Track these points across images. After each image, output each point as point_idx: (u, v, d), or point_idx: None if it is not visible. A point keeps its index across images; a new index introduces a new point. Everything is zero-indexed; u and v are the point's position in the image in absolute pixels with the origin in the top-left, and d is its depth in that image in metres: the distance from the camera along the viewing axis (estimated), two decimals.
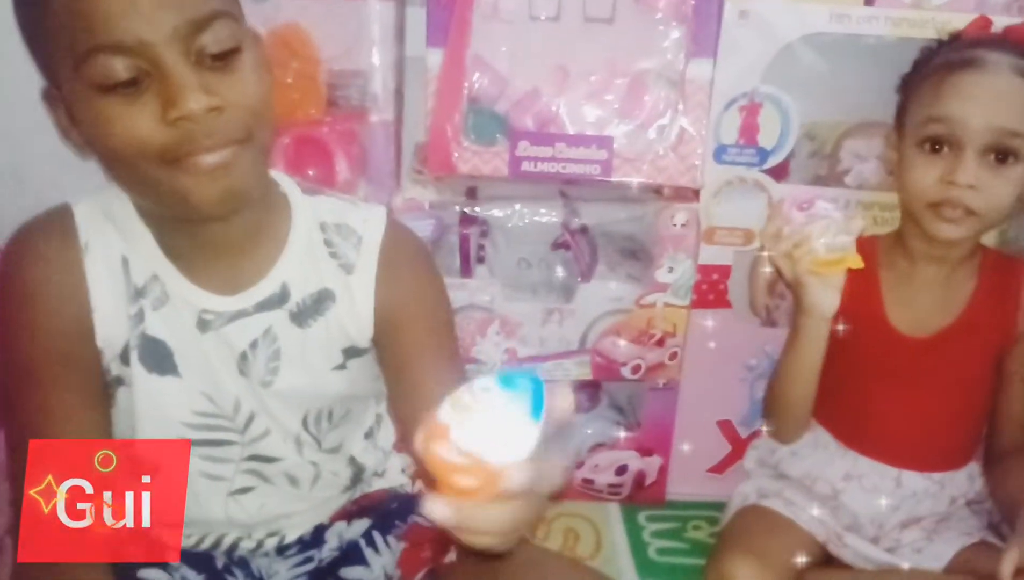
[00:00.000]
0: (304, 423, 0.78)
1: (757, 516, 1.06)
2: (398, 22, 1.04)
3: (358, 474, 0.84)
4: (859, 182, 1.14)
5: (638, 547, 1.19)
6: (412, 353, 0.74)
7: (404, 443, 0.88)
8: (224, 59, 0.61)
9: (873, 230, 1.14)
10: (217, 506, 0.78)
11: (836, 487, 1.08)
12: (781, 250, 0.96)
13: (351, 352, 0.77)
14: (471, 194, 1.17)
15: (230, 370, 0.74)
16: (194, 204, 0.63)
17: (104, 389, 0.73)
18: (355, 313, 0.75)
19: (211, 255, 0.72)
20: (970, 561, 0.96)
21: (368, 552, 0.83)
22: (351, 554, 0.83)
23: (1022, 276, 1.02)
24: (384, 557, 0.83)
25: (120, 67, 0.59)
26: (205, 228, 0.69)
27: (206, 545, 0.81)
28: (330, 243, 0.75)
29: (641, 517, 1.26)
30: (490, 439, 0.46)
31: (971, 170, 0.90)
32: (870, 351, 1.04)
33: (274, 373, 0.74)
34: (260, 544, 0.82)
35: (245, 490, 0.78)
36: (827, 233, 0.94)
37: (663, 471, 1.26)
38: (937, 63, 0.94)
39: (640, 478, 1.27)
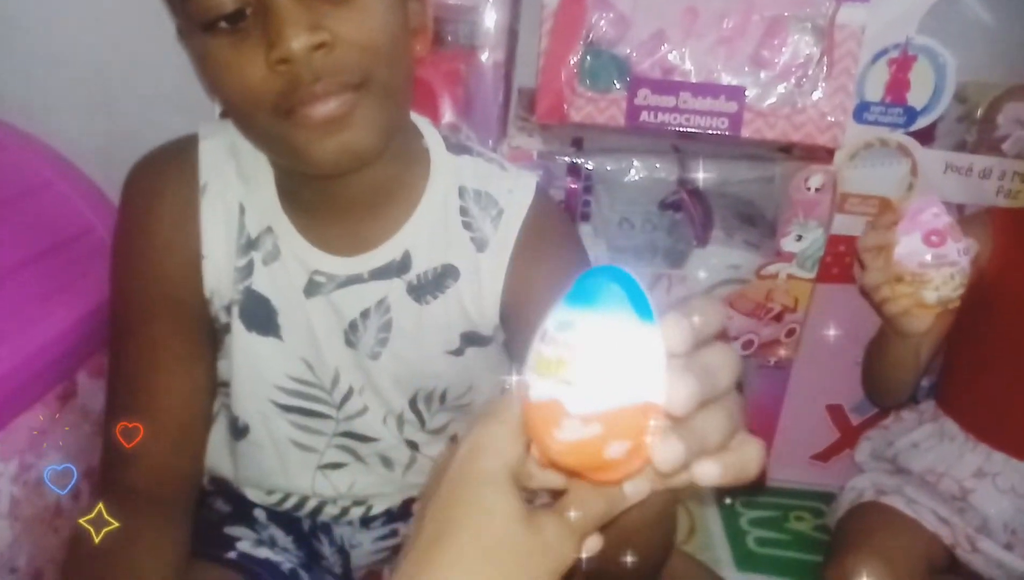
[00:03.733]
0: (412, 402, 0.71)
1: (877, 514, 0.97)
2: None
3: None
4: (1018, 150, 1.02)
5: (736, 536, 1.11)
6: None
7: None
8: None
9: None
10: (304, 477, 0.73)
11: (965, 486, 0.98)
12: (884, 274, 0.86)
13: (471, 338, 0.69)
14: (576, 145, 1.08)
15: (336, 339, 0.67)
16: (310, 162, 0.55)
17: (211, 337, 0.68)
18: (480, 296, 0.67)
19: (332, 211, 0.65)
20: None
21: None
22: None
23: None
24: None
25: None
26: (327, 183, 0.61)
27: (289, 505, 0.76)
28: (466, 212, 0.67)
29: (738, 503, 1.17)
30: (618, 378, 0.32)
31: None
32: (1011, 330, 0.94)
33: (383, 345, 0.68)
34: (345, 512, 0.76)
35: (336, 466, 0.73)
36: (947, 285, 0.84)
37: (766, 456, 1.17)
38: None
39: None
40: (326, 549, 0.78)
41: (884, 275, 0.86)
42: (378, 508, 0.77)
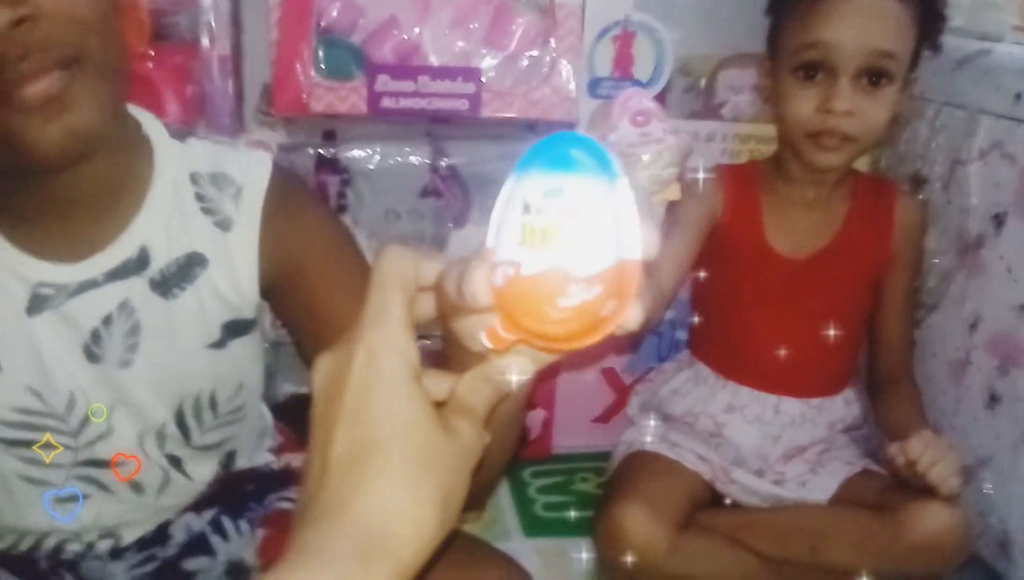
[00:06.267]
0: (179, 414, 0.67)
1: (643, 462, 1.03)
2: None
3: (225, 470, 0.73)
4: (735, 114, 1.11)
5: (524, 504, 1.15)
6: (324, 294, 0.63)
7: None
8: None
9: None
10: (39, 514, 0.67)
11: (719, 421, 1.06)
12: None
13: (233, 328, 0.66)
14: (329, 137, 1.07)
15: (73, 357, 0.62)
16: (27, 150, 0.51)
17: None
18: (234, 277, 0.64)
19: (51, 214, 0.59)
20: (854, 491, 0.97)
21: (214, 539, 0.73)
22: (197, 544, 0.73)
23: (894, 199, 1.03)
24: (232, 544, 0.74)
25: None
26: (44, 181, 0.56)
27: (24, 547, 0.69)
28: (203, 197, 0.64)
29: (526, 473, 1.21)
30: (610, 238, 0.33)
31: (847, 96, 0.88)
32: (750, 274, 1.03)
33: (133, 350, 0.63)
34: (91, 547, 0.71)
35: (76, 498, 0.67)
36: (656, 163, 0.85)
37: (548, 425, 1.22)
38: None
39: (524, 433, 1.22)
40: None
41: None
42: (129, 538, 0.72)
